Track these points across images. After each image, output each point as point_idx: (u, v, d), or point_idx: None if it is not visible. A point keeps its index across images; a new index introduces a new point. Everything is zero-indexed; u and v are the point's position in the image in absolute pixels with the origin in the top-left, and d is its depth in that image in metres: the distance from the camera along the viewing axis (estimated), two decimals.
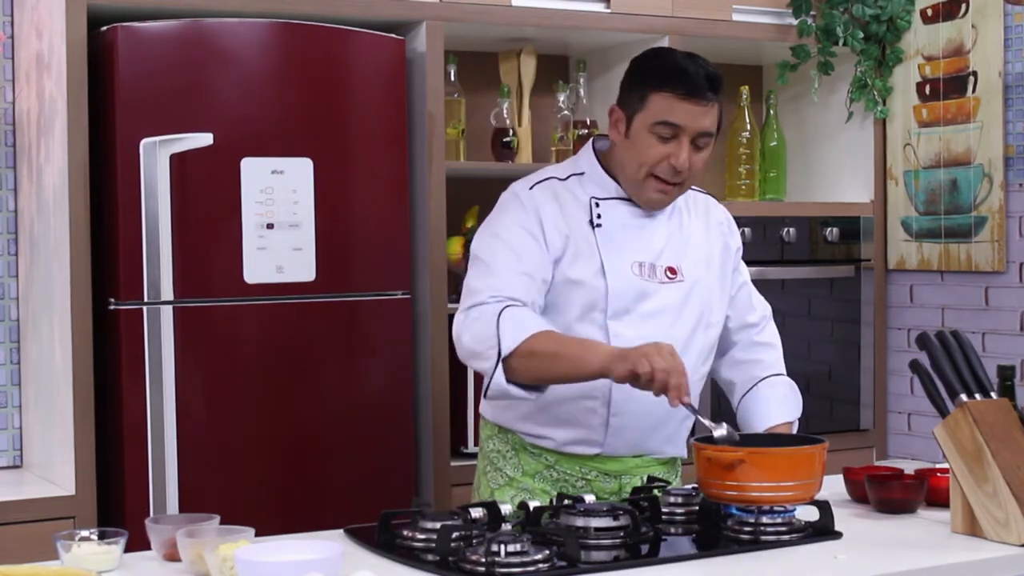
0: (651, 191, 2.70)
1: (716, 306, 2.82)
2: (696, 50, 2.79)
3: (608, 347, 2.54)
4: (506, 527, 2.37)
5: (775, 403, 2.85)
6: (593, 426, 2.72)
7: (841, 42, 4.36)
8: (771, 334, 2.96)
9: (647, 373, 2.40)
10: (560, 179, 2.76)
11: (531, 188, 2.73)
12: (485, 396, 2.62)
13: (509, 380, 2.56)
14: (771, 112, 4.58)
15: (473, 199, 3.97)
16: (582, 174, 2.77)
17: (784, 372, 2.93)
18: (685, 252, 2.77)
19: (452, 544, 2.23)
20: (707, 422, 2.46)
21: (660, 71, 2.67)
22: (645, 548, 2.33)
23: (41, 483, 3.44)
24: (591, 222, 2.71)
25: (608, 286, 2.68)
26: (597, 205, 2.73)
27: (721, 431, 2.45)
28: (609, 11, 4.01)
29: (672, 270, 2.75)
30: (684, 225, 2.80)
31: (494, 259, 2.67)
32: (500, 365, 2.55)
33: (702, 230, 2.84)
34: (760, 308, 2.95)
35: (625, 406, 2.69)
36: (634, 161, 2.68)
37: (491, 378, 2.57)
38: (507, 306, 2.58)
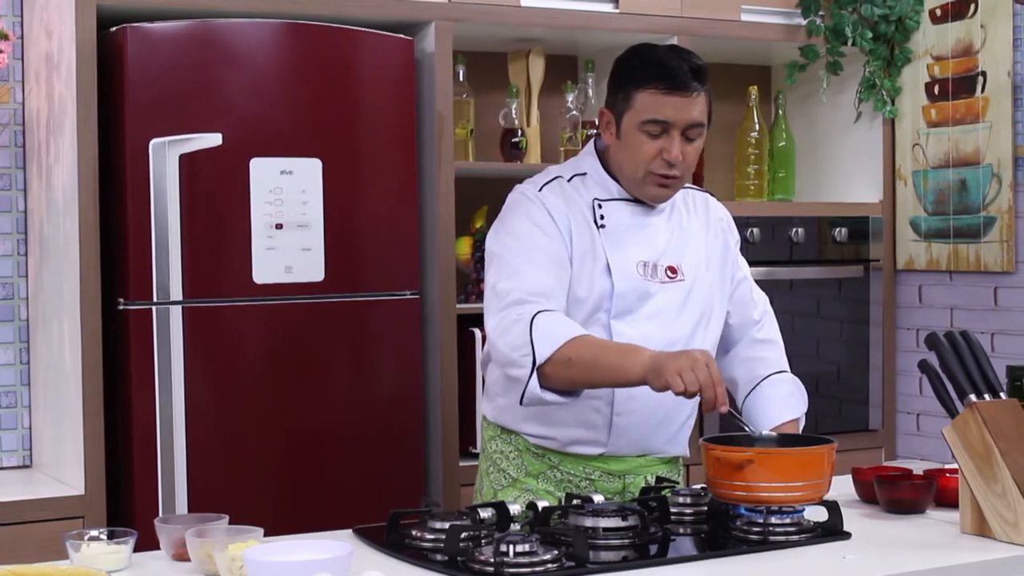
0: (651, 187, 2.71)
1: (717, 305, 2.82)
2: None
3: (646, 354, 2.49)
4: (515, 527, 2.36)
5: (779, 402, 2.85)
6: (597, 426, 2.72)
7: (850, 42, 4.35)
8: (772, 329, 2.96)
9: (681, 389, 2.39)
10: (566, 179, 2.76)
11: (540, 189, 2.73)
12: (521, 403, 2.60)
13: (544, 387, 2.55)
14: (780, 112, 4.58)
15: (482, 199, 3.97)
16: (584, 175, 2.77)
17: (787, 368, 2.93)
18: (685, 251, 2.78)
19: (461, 544, 2.23)
20: (749, 427, 2.45)
21: (642, 69, 2.68)
22: (654, 548, 2.33)
23: (50, 483, 3.45)
24: (595, 222, 2.72)
25: (614, 286, 2.68)
26: (600, 207, 2.73)
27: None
28: (618, 11, 4.01)
29: (672, 269, 2.75)
30: (684, 224, 2.81)
31: (515, 257, 2.66)
32: (535, 373, 2.54)
33: (702, 229, 2.84)
34: (761, 303, 2.95)
35: (628, 405, 2.69)
36: (629, 161, 2.70)
37: (526, 386, 2.56)
38: (539, 312, 2.57)
